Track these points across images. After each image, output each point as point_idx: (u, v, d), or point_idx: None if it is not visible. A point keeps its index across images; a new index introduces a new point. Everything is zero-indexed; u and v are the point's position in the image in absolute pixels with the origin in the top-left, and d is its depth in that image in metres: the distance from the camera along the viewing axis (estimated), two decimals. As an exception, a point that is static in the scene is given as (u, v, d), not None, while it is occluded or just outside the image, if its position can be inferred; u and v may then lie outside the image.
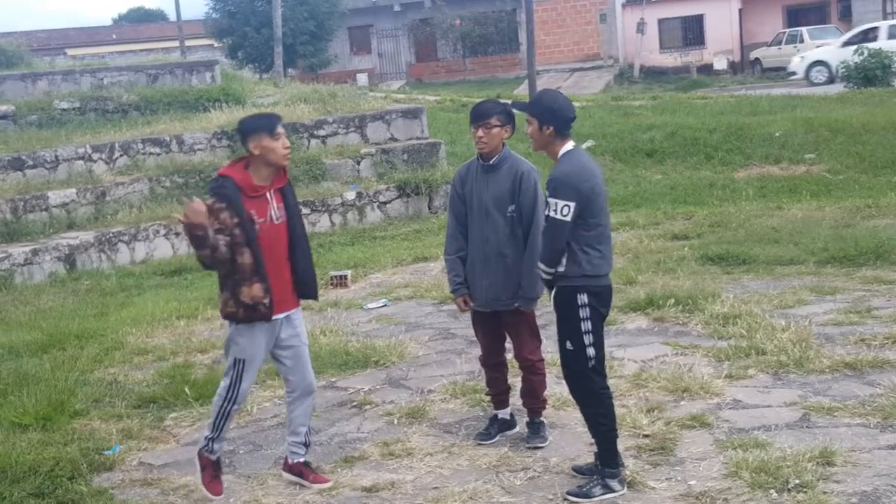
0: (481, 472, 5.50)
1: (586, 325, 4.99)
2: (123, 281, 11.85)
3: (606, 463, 5.05)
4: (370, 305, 9.90)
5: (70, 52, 46.32)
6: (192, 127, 16.15)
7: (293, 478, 5.60)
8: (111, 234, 12.98)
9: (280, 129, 5.29)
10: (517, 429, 6.04)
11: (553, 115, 5.02)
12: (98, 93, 18.47)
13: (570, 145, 5.07)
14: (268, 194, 5.32)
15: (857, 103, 20.19)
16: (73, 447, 6.21)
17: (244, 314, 5.25)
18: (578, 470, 5.34)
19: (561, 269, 5.00)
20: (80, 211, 13.57)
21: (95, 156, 14.69)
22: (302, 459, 5.63)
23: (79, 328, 9.25)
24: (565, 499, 5.01)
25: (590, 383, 5.07)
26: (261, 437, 6.42)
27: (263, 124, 5.29)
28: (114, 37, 57.39)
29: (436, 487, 5.34)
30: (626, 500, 4.99)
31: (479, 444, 5.91)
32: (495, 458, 5.68)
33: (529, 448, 5.78)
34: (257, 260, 5.20)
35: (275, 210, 5.33)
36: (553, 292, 5.09)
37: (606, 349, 7.44)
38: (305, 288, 5.51)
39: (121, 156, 14.98)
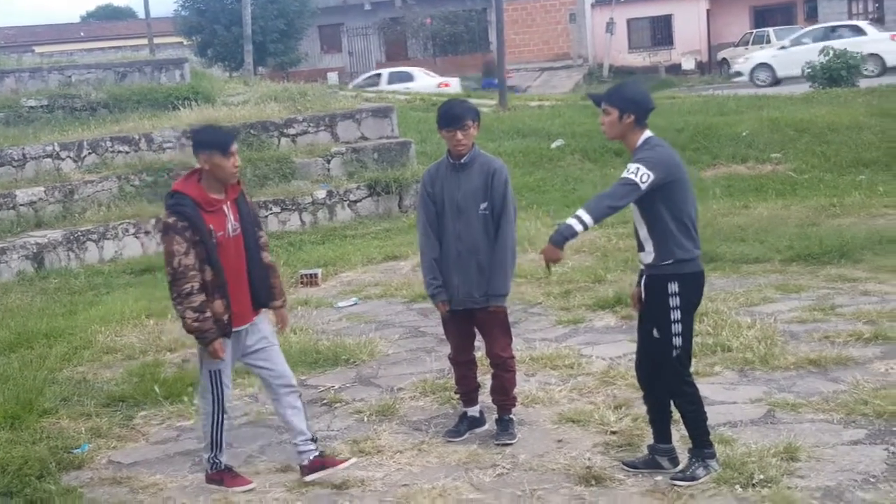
0: (451, 470, 5.54)
1: (675, 315, 5.01)
2: (92, 279, 11.78)
3: (702, 445, 5.10)
4: (340, 304, 9.91)
5: (38, 49, 45.94)
6: (162, 125, 16.05)
7: (318, 475, 5.50)
8: (80, 233, 12.89)
9: (234, 148, 5.26)
10: (486, 426, 6.08)
11: (635, 105, 5.02)
12: (66, 90, 18.33)
13: (648, 132, 5.07)
14: (225, 207, 5.31)
15: (822, 103, 20.37)
16: (42, 446, 6.20)
17: None
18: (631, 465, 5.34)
19: (650, 258, 4.99)
20: (49, 209, 13.47)
21: (64, 154, 14.58)
22: (317, 453, 5.56)
23: (47, 327, 9.20)
24: (672, 485, 5.01)
25: (674, 371, 5.08)
26: (230, 434, 6.40)
27: (219, 142, 5.25)
28: (82, 34, 57.02)
29: (405, 485, 5.37)
30: (594, 495, 5.04)
31: (449, 442, 5.94)
32: (465, 456, 5.71)
33: (498, 445, 5.81)
34: (219, 276, 5.21)
35: (232, 223, 5.32)
36: (644, 280, 5.09)
37: (574, 347, 7.62)
38: (259, 297, 5.50)
39: (89, 154, 14.87)
